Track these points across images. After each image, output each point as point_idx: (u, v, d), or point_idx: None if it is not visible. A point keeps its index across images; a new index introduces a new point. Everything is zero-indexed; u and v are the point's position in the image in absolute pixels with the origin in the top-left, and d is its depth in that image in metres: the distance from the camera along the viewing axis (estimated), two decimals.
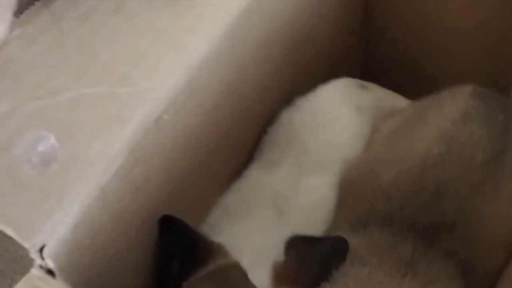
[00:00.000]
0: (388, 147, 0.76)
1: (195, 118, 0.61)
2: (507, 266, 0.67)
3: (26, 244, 0.39)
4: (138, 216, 0.56)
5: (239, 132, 0.78)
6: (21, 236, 0.39)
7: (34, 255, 0.40)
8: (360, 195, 0.72)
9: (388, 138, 0.78)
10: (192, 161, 0.64)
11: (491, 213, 0.67)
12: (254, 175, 0.78)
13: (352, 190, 0.74)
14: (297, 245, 0.61)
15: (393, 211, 0.67)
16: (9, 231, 0.38)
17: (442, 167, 0.68)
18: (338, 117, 0.82)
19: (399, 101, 0.87)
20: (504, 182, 0.68)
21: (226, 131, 0.71)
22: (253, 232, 0.71)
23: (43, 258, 0.39)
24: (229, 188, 0.78)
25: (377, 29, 1.00)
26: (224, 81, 0.64)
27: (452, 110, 0.74)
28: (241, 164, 0.81)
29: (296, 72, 0.85)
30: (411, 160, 0.70)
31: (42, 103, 0.46)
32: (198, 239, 0.63)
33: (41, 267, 0.40)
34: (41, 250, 0.40)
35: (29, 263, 0.40)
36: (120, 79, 0.50)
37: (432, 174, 0.67)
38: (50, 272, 0.40)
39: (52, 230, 0.41)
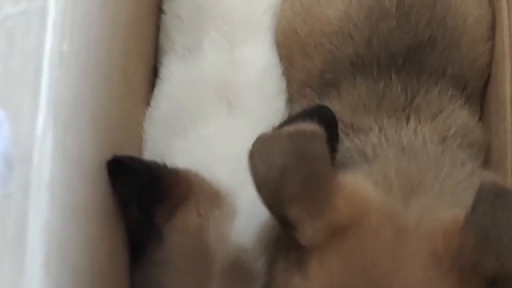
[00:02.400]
0: None
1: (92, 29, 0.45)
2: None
3: None
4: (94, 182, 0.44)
5: (138, 24, 0.63)
6: None
7: None
8: (310, 47, 0.62)
9: None
10: (108, 82, 0.50)
11: (461, 8, 0.60)
12: (177, 69, 0.65)
13: (296, 44, 0.63)
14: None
15: (361, 51, 0.58)
16: None
17: None
18: None
19: None
20: None
21: (122, 27, 0.56)
22: (210, 137, 0.60)
23: None
24: (154, 96, 0.65)
25: None
26: None
27: None
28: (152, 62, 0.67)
29: None
30: None
31: None
32: (158, 169, 0.54)
33: None
34: None
35: None
36: None
37: None
38: None
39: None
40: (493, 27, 0.63)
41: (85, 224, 0.40)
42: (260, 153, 0.44)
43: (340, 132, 0.54)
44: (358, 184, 0.46)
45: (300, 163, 0.43)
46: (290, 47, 0.64)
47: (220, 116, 0.61)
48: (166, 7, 0.69)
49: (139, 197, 0.53)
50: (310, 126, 0.45)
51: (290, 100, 0.63)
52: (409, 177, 0.49)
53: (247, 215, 0.53)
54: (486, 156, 0.59)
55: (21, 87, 0.31)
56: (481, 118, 0.62)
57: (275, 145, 0.44)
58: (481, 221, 0.42)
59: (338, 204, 0.44)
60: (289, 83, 0.64)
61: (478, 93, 0.61)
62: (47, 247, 0.31)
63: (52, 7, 0.35)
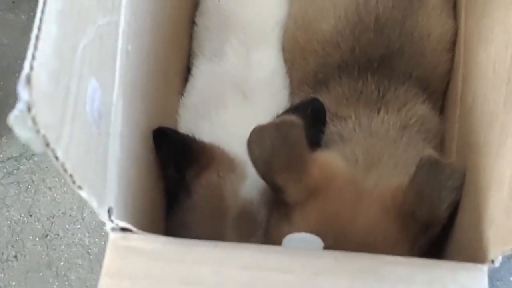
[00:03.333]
0: None
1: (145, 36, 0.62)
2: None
3: (100, 211, 0.43)
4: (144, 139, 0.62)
5: (177, 32, 0.79)
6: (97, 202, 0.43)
7: (106, 219, 0.44)
8: (308, 53, 0.76)
9: None
10: (154, 75, 0.67)
11: (426, 25, 0.73)
12: (205, 68, 0.81)
13: (297, 51, 0.78)
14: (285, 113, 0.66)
15: (346, 57, 0.72)
16: (87, 197, 0.42)
17: (374, 1, 0.72)
18: None
19: None
20: None
21: (166, 36, 0.72)
22: (229, 121, 0.75)
23: (112, 221, 0.44)
24: (187, 89, 0.81)
25: None
26: None
27: None
28: (186, 63, 0.84)
29: None
30: (343, 3, 0.74)
31: None
32: (189, 141, 0.69)
33: (113, 229, 0.45)
34: (109, 212, 0.44)
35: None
36: None
37: (368, 10, 0.72)
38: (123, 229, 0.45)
39: (110, 192, 0.45)
40: (455, 40, 0.75)
41: (138, 161, 0.57)
42: (255, 139, 0.60)
43: (327, 119, 0.70)
44: (329, 158, 0.63)
45: (283, 144, 0.59)
46: (292, 53, 0.78)
47: (237, 105, 0.76)
48: (198, 21, 0.85)
49: (175, 160, 0.68)
50: (291, 118, 0.62)
51: (291, 94, 0.78)
52: (371, 154, 0.64)
53: (253, 179, 0.66)
54: (442, 141, 0.74)
55: (106, 70, 0.48)
56: (442, 112, 0.77)
57: (265, 133, 0.60)
58: (419, 183, 0.57)
59: (313, 172, 0.60)
60: (291, 81, 0.79)
61: (440, 93, 0.75)
62: (118, 169, 0.48)
63: (122, 21, 0.53)
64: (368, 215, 0.59)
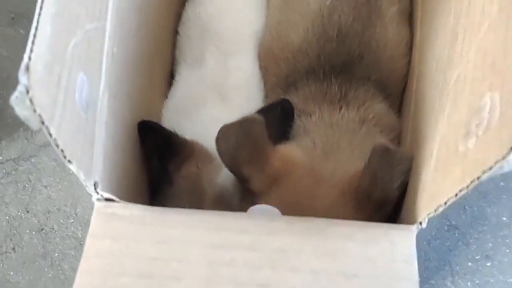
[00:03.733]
0: (286, 11, 0.87)
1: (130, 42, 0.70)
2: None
3: (87, 183, 0.52)
4: (128, 130, 0.70)
5: (161, 40, 0.88)
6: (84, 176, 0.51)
7: (92, 191, 0.52)
8: (280, 60, 0.84)
9: (283, 2, 0.89)
10: (138, 76, 0.75)
11: (383, 35, 0.82)
12: (187, 74, 0.89)
13: (271, 57, 0.86)
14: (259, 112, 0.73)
15: (313, 63, 0.81)
16: (76, 170, 0.50)
17: (337, 14, 0.81)
18: None
19: None
20: (385, 7, 0.82)
21: (150, 43, 0.81)
22: (208, 120, 0.83)
23: (97, 193, 0.52)
24: (170, 92, 0.89)
25: None
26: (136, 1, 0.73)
27: None
28: (170, 68, 0.92)
29: None
30: (309, 17, 0.82)
31: None
32: (172, 136, 0.77)
33: (98, 199, 0.53)
34: (95, 186, 0.52)
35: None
36: None
37: (332, 23, 0.81)
38: (107, 199, 0.53)
39: (96, 169, 0.53)
40: (411, 47, 0.84)
41: (122, 148, 0.65)
42: (221, 137, 0.66)
43: (295, 115, 0.78)
44: (290, 149, 0.70)
45: (247, 139, 0.66)
46: (267, 60, 0.87)
47: (215, 106, 0.84)
48: (180, 30, 0.93)
49: (158, 152, 0.76)
50: (253, 116, 0.69)
51: (266, 96, 0.87)
52: (330, 143, 0.72)
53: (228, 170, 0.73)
54: (399, 136, 0.82)
55: (93, 67, 0.57)
56: (400, 110, 0.85)
57: (230, 130, 0.66)
58: (373, 168, 0.64)
59: (274, 163, 0.67)
60: (265, 84, 0.87)
61: (398, 94, 0.83)
62: (103, 151, 0.56)
63: (108, 27, 0.61)
64: (327, 199, 0.66)
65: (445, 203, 0.48)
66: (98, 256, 0.50)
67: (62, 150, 0.48)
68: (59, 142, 0.48)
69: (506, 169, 0.42)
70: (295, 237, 0.51)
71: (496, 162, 0.42)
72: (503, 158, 0.41)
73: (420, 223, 0.52)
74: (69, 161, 0.49)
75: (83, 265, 0.50)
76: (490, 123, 0.44)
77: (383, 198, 0.64)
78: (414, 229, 0.51)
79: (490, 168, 0.42)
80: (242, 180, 0.68)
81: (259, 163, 0.66)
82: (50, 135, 0.47)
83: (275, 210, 0.61)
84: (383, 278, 0.49)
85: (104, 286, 0.49)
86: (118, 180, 0.61)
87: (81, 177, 0.51)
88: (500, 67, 0.45)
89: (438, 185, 0.51)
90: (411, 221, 0.55)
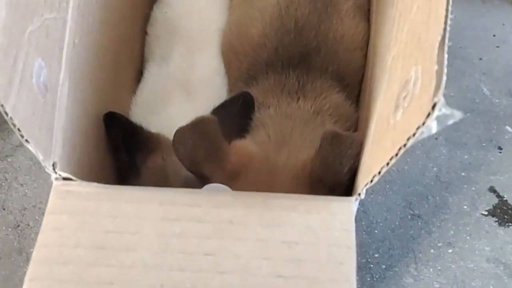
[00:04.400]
0: (245, 8, 0.92)
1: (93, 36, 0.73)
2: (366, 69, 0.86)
3: (46, 164, 0.54)
4: (91, 118, 0.72)
5: (128, 39, 0.91)
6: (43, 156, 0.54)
7: (51, 171, 0.55)
8: (241, 54, 0.88)
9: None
10: (102, 70, 0.78)
11: (340, 27, 0.86)
12: (155, 71, 0.93)
13: (233, 52, 0.90)
14: (217, 111, 0.77)
15: (271, 56, 0.84)
16: (34, 150, 0.53)
17: (293, 7, 0.85)
18: None
19: None
20: (340, 2, 0.86)
21: (115, 38, 0.84)
22: (172, 116, 0.86)
23: (56, 172, 0.55)
24: (138, 89, 0.93)
25: None
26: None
27: None
28: (139, 66, 0.96)
29: None
30: (268, 11, 0.86)
31: None
32: (138, 129, 0.80)
33: (56, 178, 0.55)
34: (53, 166, 0.55)
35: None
36: None
37: (289, 16, 0.85)
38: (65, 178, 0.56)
39: (55, 151, 0.56)
40: (367, 40, 0.88)
41: (84, 134, 0.68)
42: (178, 139, 0.68)
43: (256, 108, 0.82)
44: (245, 144, 0.73)
45: (202, 140, 0.68)
46: (229, 55, 0.90)
47: (181, 101, 0.87)
48: (148, 30, 0.97)
49: (125, 144, 0.79)
50: (206, 116, 0.72)
51: (229, 90, 0.90)
52: (283, 134, 0.75)
53: None
54: (357, 124, 0.85)
55: (52, 55, 0.60)
56: (358, 100, 0.88)
57: (186, 133, 0.68)
58: (324, 153, 0.67)
59: (231, 159, 0.69)
60: (229, 79, 0.90)
61: (356, 85, 0.86)
62: (63, 135, 0.59)
63: (69, 19, 0.64)
64: (282, 186, 0.69)
65: (379, 172, 0.51)
66: (55, 230, 0.53)
67: (18, 129, 0.51)
68: (16, 122, 0.51)
69: (426, 134, 0.45)
70: (242, 209, 0.54)
71: (417, 128, 0.45)
72: (423, 124, 0.44)
73: (359, 194, 0.55)
74: (26, 140, 0.52)
75: (40, 239, 0.53)
76: (413, 94, 0.48)
77: (335, 181, 0.67)
78: (353, 200, 0.55)
79: (414, 135, 0.46)
80: (203, 179, 0.70)
81: (217, 161, 0.69)
82: (6, 113, 0.50)
83: (226, 187, 0.64)
84: (323, 245, 0.52)
85: (60, 258, 0.52)
86: (79, 163, 0.64)
87: (40, 157, 0.54)
88: (423, 43, 0.49)
89: (373, 158, 0.54)
90: (353, 193, 0.58)
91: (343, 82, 0.85)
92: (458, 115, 0.44)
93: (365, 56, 0.88)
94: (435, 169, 1.03)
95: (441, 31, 0.46)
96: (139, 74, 0.95)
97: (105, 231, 0.53)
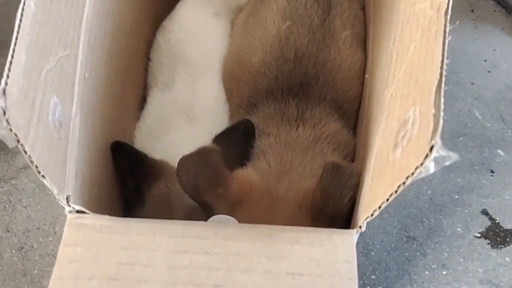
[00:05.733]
0: (246, 36, 0.95)
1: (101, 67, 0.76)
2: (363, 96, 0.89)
3: (60, 197, 0.57)
4: (101, 149, 0.75)
5: (132, 66, 0.94)
6: (57, 190, 0.56)
7: (65, 204, 0.58)
8: (242, 82, 0.91)
9: (244, 29, 0.97)
10: (110, 99, 0.81)
11: (338, 56, 0.89)
12: (158, 98, 0.96)
13: (234, 80, 0.93)
14: (219, 139, 0.79)
15: (272, 84, 0.87)
16: (49, 185, 0.55)
17: (293, 37, 0.88)
18: (203, 26, 0.99)
19: None
20: (338, 31, 0.89)
21: (121, 68, 0.87)
22: (175, 142, 0.89)
23: (69, 205, 0.58)
24: (142, 115, 0.95)
25: None
26: (107, 31, 0.79)
27: None
28: (142, 92, 0.99)
29: None
30: (268, 40, 0.89)
31: None
32: (143, 157, 0.83)
33: (70, 211, 0.58)
34: (67, 199, 0.58)
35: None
36: None
37: (289, 45, 0.87)
38: (79, 211, 0.58)
39: (69, 184, 0.59)
40: (364, 68, 0.91)
41: (94, 165, 0.71)
42: (182, 168, 0.71)
43: (256, 135, 0.84)
44: (246, 173, 0.75)
45: (205, 169, 0.70)
46: (230, 82, 0.93)
47: (184, 127, 0.90)
48: (151, 57, 1.00)
49: (132, 172, 0.81)
50: (209, 146, 0.75)
51: (230, 117, 0.93)
52: (284, 163, 0.77)
53: None
54: (354, 151, 0.88)
55: (65, 91, 0.62)
56: (355, 128, 0.91)
57: (189, 161, 0.71)
58: (324, 184, 0.69)
59: (233, 188, 0.71)
60: (229, 105, 0.93)
61: (353, 112, 0.89)
62: (75, 168, 0.62)
63: (80, 54, 0.67)
64: (284, 216, 0.71)
65: (379, 207, 0.54)
66: (70, 262, 0.56)
67: (36, 166, 0.54)
68: (34, 159, 0.53)
69: (424, 174, 0.48)
70: (248, 241, 0.56)
71: (416, 168, 0.48)
72: (421, 164, 0.47)
73: (360, 227, 0.57)
74: (43, 176, 0.55)
75: (56, 271, 0.55)
76: (412, 134, 0.51)
77: (335, 212, 0.69)
78: (354, 233, 0.57)
79: (413, 174, 0.49)
80: (205, 208, 0.72)
81: (219, 190, 0.71)
82: (25, 152, 0.52)
83: (232, 219, 0.66)
84: (326, 277, 0.55)
85: None
86: (90, 195, 0.66)
87: (54, 191, 0.57)
88: (420, 85, 0.52)
89: (373, 193, 0.57)
90: (354, 226, 0.60)
91: (341, 110, 0.88)
92: (454, 156, 0.47)
93: (362, 84, 0.91)
94: (429, 192, 1.06)
95: (438, 75, 0.50)
96: (143, 101, 0.98)
97: (118, 263, 0.55)
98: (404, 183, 0.50)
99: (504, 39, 1.27)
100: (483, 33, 1.28)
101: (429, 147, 0.47)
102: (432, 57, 0.52)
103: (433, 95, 0.49)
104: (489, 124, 1.14)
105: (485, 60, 1.24)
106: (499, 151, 1.11)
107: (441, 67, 0.50)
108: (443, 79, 0.50)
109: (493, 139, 1.12)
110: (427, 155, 0.47)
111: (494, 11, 1.32)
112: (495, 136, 1.12)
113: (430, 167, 0.47)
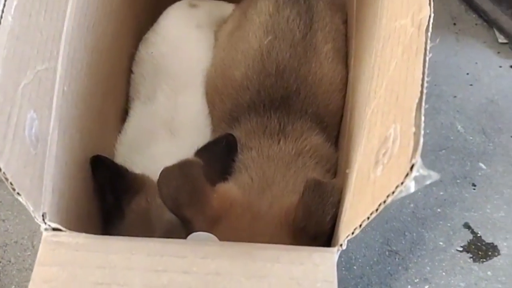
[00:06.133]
0: (229, 50, 0.94)
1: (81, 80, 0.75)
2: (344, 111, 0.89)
3: (36, 215, 0.56)
4: (79, 163, 0.74)
5: (114, 79, 0.93)
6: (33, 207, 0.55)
7: (40, 221, 0.56)
8: (224, 95, 0.90)
9: (227, 42, 0.96)
10: (90, 112, 0.79)
11: (319, 70, 0.88)
12: (140, 110, 0.95)
13: (216, 93, 0.92)
14: (201, 153, 0.79)
15: (254, 98, 0.86)
16: (24, 202, 0.54)
17: (275, 51, 0.87)
18: (185, 39, 0.99)
19: (225, 7, 1.05)
20: (320, 45, 0.89)
21: (102, 81, 0.85)
22: (157, 156, 0.88)
23: (45, 223, 0.56)
24: (123, 128, 0.94)
25: None
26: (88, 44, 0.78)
27: (265, 4, 0.93)
28: (124, 105, 0.98)
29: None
30: (250, 54, 0.89)
31: None
32: (123, 171, 0.81)
33: (46, 229, 0.57)
34: (43, 217, 0.57)
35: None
36: None
37: (271, 59, 0.87)
38: (55, 229, 0.57)
39: (45, 200, 0.57)
40: (346, 82, 0.92)
41: (73, 180, 0.70)
42: (163, 180, 0.69)
43: (239, 149, 0.84)
44: (228, 188, 0.74)
45: (186, 182, 0.69)
46: (213, 95, 0.92)
47: (165, 141, 0.89)
48: (134, 69, 0.99)
49: (111, 186, 0.80)
50: (191, 159, 0.74)
51: (213, 130, 0.92)
52: (267, 177, 0.76)
53: None
54: (336, 164, 0.88)
55: (43, 105, 0.61)
56: (337, 141, 0.91)
57: (170, 174, 0.70)
58: (306, 202, 0.68)
59: (214, 203, 0.70)
60: (212, 119, 0.92)
61: (334, 126, 0.89)
62: (52, 184, 0.61)
63: (59, 66, 0.66)
64: (265, 233, 0.70)
65: (360, 225, 0.53)
66: (45, 282, 0.54)
67: (11, 183, 0.53)
68: (8, 175, 0.52)
69: (404, 193, 0.48)
70: (227, 260, 0.55)
71: (396, 187, 0.47)
72: (402, 183, 0.47)
73: (341, 245, 0.57)
74: (18, 193, 0.54)
75: None
76: (392, 152, 0.50)
77: (318, 230, 0.68)
78: (335, 251, 0.57)
79: (393, 193, 0.48)
80: (185, 222, 0.70)
81: (199, 205, 0.69)
82: (0, 169, 0.51)
83: (211, 236, 0.65)
84: None
85: None
86: (68, 211, 0.65)
87: (30, 208, 0.56)
88: (401, 102, 0.52)
89: (354, 210, 0.57)
90: (334, 244, 0.60)
91: (323, 123, 0.87)
92: (434, 176, 0.47)
93: (344, 97, 0.90)
94: (411, 205, 1.06)
95: (418, 93, 0.49)
96: (125, 113, 0.97)
97: (94, 283, 0.54)
98: (384, 201, 0.49)
99: (485, 52, 1.28)
100: (465, 46, 1.29)
101: (409, 166, 0.46)
102: (413, 75, 0.51)
103: (414, 113, 0.48)
104: (471, 137, 1.14)
105: (467, 73, 1.25)
106: (481, 164, 1.11)
107: (422, 85, 0.50)
108: (424, 97, 0.50)
109: (475, 152, 1.12)
110: (407, 174, 0.46)
111: (476, 24, 1.33)
112: (477, 149, 1.13)
113: (411, 186, 0.47)
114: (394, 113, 0.53)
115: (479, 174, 1.10)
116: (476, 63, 1.26)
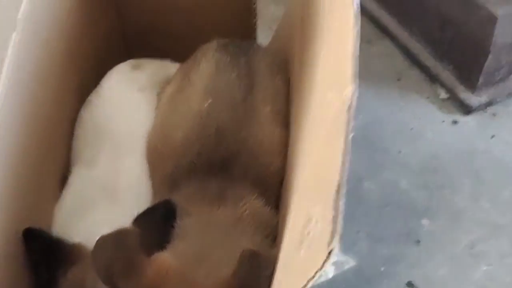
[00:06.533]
0: (170, 112, 0.94)
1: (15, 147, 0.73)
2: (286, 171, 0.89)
3: None
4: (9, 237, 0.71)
5: (53, 143, 0.92)
6: None
7: None
8: (165, 158, 0.90)
9: (168, 104, 0.96)
10: (25, 182, 0.77)
11: (259, 133, 0.89)
12: (80, 175, 0.94)
13: (156, 157, 0.92)
14: (139, 220, 0.77)
15: (194, 160, 0.86)
16: None
17: (215, 114, 0.88)
18: (127, 102, 0.99)
19: (169, 68, 1.06)
20: (259, 108, 0.90)
21: (39, 146, 0.84)
22: (97, 223, 0.85)
23: None
24: (63, 193, 0.93)
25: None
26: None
27: (206, 66, 0.94)
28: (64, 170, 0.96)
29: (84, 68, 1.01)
30: (191, 117, 0.89)
31: None
32: (59, 243, 0.79)
33: None
34: None
35: None
36: None
37: (210, 122, 0.87)
38: None
39: None
40: (286, 144, 0.92)
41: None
42: (97, 250, 0.68)
43: (178, 215, 0.82)
44: (164, 258, 0.72)
45: (121, 252, 0.68)
46: (154, 158, 0.91)
47: (106, 207, 0.88)
48: (76, 132, 0.98)
49: (46, 259, 0.77)
50: (128, 228, 0.73)
51: (154, 194, 0.91)
52: (204, 246, 0.75)
53: None
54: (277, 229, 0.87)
55: None
56: (278, 204, 0.91)
57: (104, 244, 0.68)
58: (241, 275, 0.67)
59: (149, 274, 0.68)
60: (153, 182, 0.91)
61: (275, 189, 0.88)
62: None
63: None
64: None
65: None
66: None
67: None
68: None
69: (323, 278, 0.48)
70: None
71: (316, 272, 0.47)
72: (320, 269, 0.47)
73: None
74: None
75: None
76: (315, 233, 0.50)
77: None
78: None
79: (313, 277, 0.48)
80: None
81: (134, 276, 0.68)
82: None
83: None
84: None
85: None
86: None
87: None
88: (322, 184, 0.52)
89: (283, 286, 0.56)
90: None
91: (262, 186, 0.87)
92: (351, 262, 0.47)
93: (284, 159, 0.91)
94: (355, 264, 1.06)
95: (338, 177, 0.50)
96: (65, 179, 0.95)
97: None
98: (305, 285, 0.49)
99: (428, 107, 1.31)
100: (409, 102, 1.32)
101: (327, 252, 0.46)
102: (333, 156, 0.52)
103: (333, 197, 0.49)
104: (414, 193, 1.16)
105: (411, 129, 1.27)
106: (424, 220, 1.12)
107: (342, 168, 0.50)
108: (344, 179, 0.50)
109: (418, 208, 1.14)
110: (325, 260, 0.46)
111: (419, 80, 1.36)
112: (421, 205, 1.14)
113: (330, 271, 0.47)
114: (316, 194, 0.53)
115: (423, 230, 1.11)
116: (420, 118, 1.29)
